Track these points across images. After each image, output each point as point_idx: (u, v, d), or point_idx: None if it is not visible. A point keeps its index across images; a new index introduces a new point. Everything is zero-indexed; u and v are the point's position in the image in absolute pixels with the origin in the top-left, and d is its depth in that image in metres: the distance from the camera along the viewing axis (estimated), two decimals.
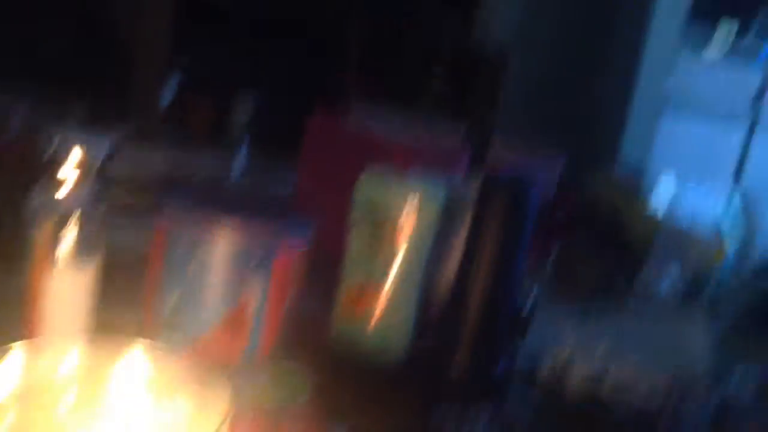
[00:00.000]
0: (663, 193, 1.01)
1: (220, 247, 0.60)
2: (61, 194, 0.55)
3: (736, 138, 2.32)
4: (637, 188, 1.05)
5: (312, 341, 0.70)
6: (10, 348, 0.41)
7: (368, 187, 0.72)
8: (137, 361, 0.44)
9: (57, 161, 0.55)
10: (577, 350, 0.76)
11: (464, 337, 0.71)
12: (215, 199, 0.67)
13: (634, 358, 0.72)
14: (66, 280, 0.55)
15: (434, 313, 0.74)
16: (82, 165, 0.55)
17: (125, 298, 0.61)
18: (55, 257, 0.54)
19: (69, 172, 0.55)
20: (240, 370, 0.60)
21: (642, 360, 0.74)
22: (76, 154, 0.55)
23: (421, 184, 0.72)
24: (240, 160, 1.20)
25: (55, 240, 0.54)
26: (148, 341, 0.45)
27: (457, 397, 0.68)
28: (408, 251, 0.71)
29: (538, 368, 0.74)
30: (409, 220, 0.71)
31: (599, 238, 0.98)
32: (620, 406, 0.70)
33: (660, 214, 0.99)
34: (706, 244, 0.95)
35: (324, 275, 0.73)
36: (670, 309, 0.85)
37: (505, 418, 0.66)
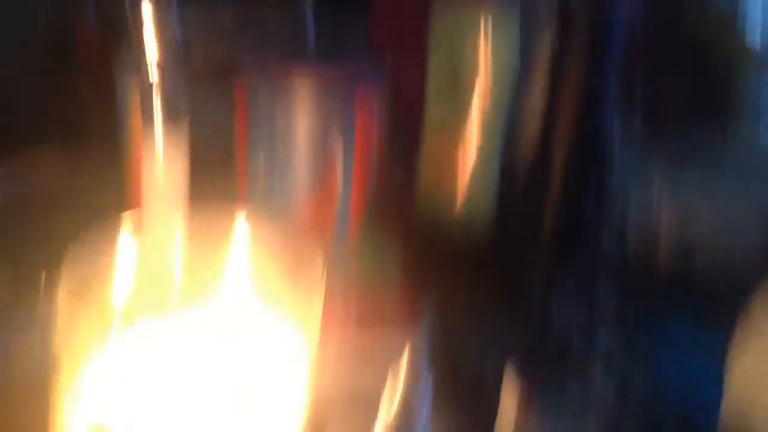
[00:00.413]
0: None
1: (301, 98, 0.59)
2: (142, 67, 0.55)
3: None
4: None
5: (398, 210, 0.70)
6: (122, 218, 0.42)
7: (442, 27, 0.67)
8: (236, 230, 0.45)
9: (133, 34, 0.55)
10: (668, 211, 0.74)
11: (550, 201, 0.70)
12: (291, 55, 0.65)
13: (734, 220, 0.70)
14: (158, 150, 0.55)
15: (519, 176, 0.72)
16: (159, 35, 0.55)
17: (217, 168, 0.61)
18: (145, 128, 0.55)
19: (148, 44, 0.54)
20: (332, 239, 0.60)
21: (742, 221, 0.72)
22: (150, 24, 0.54)
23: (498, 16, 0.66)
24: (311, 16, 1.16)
25: (143, 112, 0.55)
26: (244, 210, 0.45)
27: (545, 265, 0.68)
28: (490, 98, 0.68)
29: (628, 233, 0.73)
30: (486, 59, 0.67)
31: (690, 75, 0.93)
32: (715, 271, 0.69)
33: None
34: None
35: (404, 139, 0.72)
36: None
37: (593, 281, 0.66)
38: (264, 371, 0.39)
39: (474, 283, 0.64)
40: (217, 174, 0.62)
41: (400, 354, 0.39)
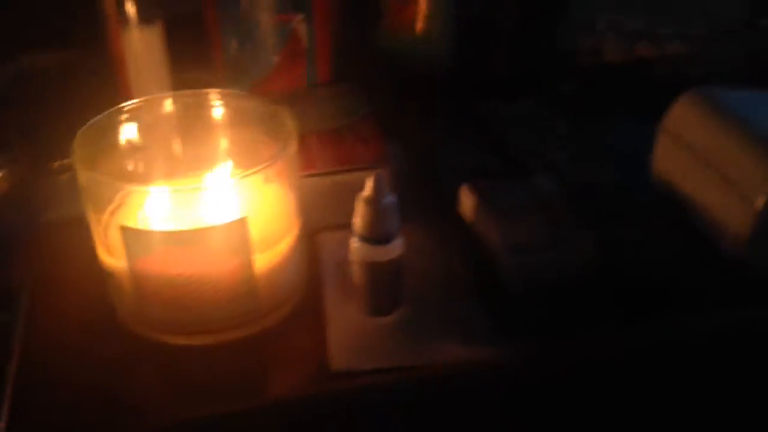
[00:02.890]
0: None
1: None
2: None
3: None
4: None
5: (363, 59, 0.77)
6: (120, 108, 0.50)
7: None
8: (215, 105, 0.53)
9: None
10: (613, 22, 0.80)
11: (502, 39, 0.76)
12: None
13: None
14: (138, 41, 0.63)
15: (473, 18, 0.78)
16: None
17: (194, 52, 0.69)
18: (124, 22, 0.62)
19: None
20: (303, 95, 0.68)
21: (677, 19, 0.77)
22: None
23: None
24: None
25: (120, 7, 0.61)
26: (220, 89, 0.53)
27: (502, 93, 0.75)
28: None
29: (579, 47, 0.79)
30: None
31: None
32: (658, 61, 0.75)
33: None
34: None
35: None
36: None
37: (547, 104, 0.73)
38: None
39: (435, 115, 0.72)
40: (197, 57, 0.69)
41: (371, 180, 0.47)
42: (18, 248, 0.54)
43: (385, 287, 0.48)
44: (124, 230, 0.44)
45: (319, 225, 0.55)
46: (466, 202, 0.54)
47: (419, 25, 0.77)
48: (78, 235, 0.48)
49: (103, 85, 0.62)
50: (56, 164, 0.59)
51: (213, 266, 0.45)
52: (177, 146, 0.53)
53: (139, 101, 0.52)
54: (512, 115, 0.69)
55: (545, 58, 0.77)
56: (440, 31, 0.77)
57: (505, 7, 0.75)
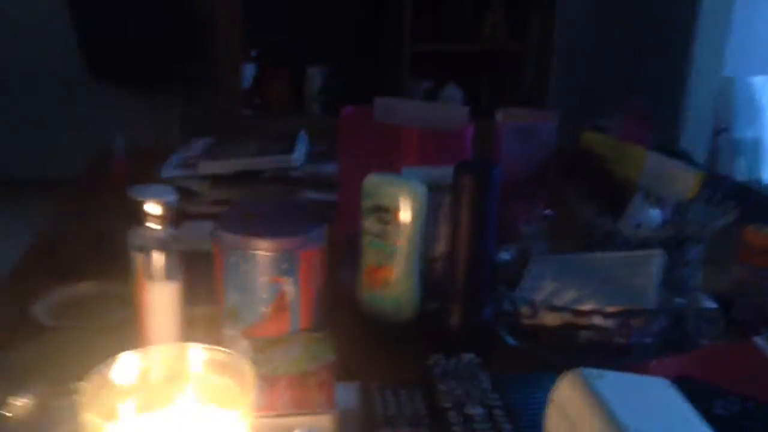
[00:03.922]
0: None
1: (260, 257, 0.86)
2: (147, 232, 0.82)
3: None
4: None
5: (343, 309, 0.95)
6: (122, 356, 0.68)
7: (371, 186, 0.95)
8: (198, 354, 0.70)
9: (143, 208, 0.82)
10: (552, 294, 0.97)
11: (456, 296, 0.94)
12: (255, 219, 0.92)
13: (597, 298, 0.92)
14: (160, 294, 0.83)
15: (435, 279, 0.97)
16: (163, 212, 0.82)
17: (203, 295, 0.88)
18: (150, 276, 0.82)
19: (152, 217, 0.82)
20: (283, 341, 0.86)
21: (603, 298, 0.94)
22: (155, 206, 0.82)
23: (409, 182, 0.94)
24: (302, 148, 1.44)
25: (147, 265, 0.82)
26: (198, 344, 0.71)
27: (455, 345, 0.91)
28: (407, 235, 0.94)
29: (521, 310, 0.96)
30: (404, 210, 0.93)
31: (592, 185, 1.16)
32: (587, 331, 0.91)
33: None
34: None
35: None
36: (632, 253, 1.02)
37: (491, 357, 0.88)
38: None
39: (396, 363, 0.88)
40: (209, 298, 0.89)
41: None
42: None
43: None
44: None
45: None
46: None
47: (389, 286, 0.95)
48: None
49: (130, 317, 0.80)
50: (70, 386, 0.76)
51: None
52: (162, 387, 0.69)
53: (136, 352, 0.69)
54: (451, 368, 0.84)
55: (491, 318, 0.94)
56: (406, 291, 0.95)
57: (459, 274, 0.93)
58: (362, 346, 0.91)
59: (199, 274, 0.86)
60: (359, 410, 0.79)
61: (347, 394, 0.79)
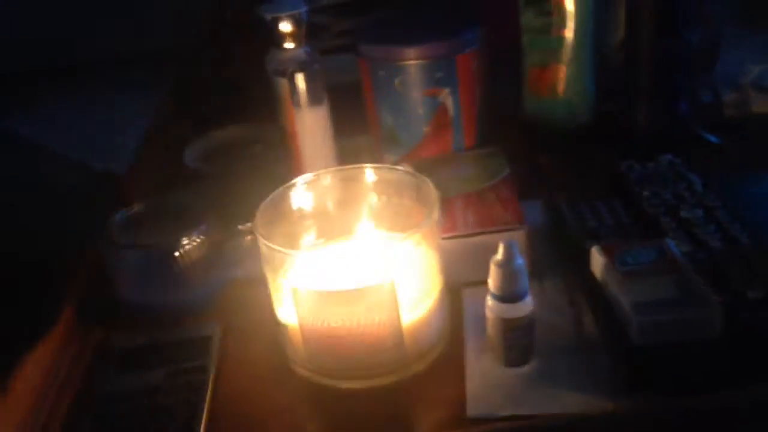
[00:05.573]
0: None
1: (411, 68, 0.74)
2: (285, 56, 0.72)
3: None
4: None
5: (505, 123, 0.83)
6: (292, 183, 0.60)
7: None
8: (370, 176, 0.62)
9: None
10: (762, 77, 0.81)
11: (643, 91, 0.79)
12: (400, 30, 0.80)
13: None
14: (308, 120, 0.73)
15: (612, 79, 0.82)
16: (294, 30, 0.71)
17: (356, 118, 0.79)
18: (296, 103, 0.72)
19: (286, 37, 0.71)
20: (450, 159, 0.76)
21: None
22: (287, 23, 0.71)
23: None
24: None
25: (292, 90, 0.72)
26: (374, 163, 0.62)
27: (645, 148, 0.78)
28: (575, 23, 0.79)
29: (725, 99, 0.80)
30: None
31: None
32: None
33: None
34: None
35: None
36: None
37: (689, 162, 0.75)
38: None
39: (577, 172, 0.76)
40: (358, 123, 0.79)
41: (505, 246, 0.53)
42: (212, 302, 0.65)
43: (517, 341, 0.53)
44: (294, 290, 0.53)
45: (461, 281, 0.62)
46: (597, 261, 0.58)
47: (559, 88, 0.82)
48: (258, 291, 0.58)
49: (278, 157, 0.73)
50: (241, 227, 0.70)
51: (367, 321, 0.53)
52: (338, 214, 0.62)
53: (307, 177, 0.61)
54: (650, 173, 0.72)
55: (687, 112, 0.79)
56: (579, 92, 0.82)
57: (644, 64, 0.78)
58: (534, 162, 0.80)
59: (344, 107, 0.75)
60: (546, 227, 0.68)
61: (529, 211, 0.68)
